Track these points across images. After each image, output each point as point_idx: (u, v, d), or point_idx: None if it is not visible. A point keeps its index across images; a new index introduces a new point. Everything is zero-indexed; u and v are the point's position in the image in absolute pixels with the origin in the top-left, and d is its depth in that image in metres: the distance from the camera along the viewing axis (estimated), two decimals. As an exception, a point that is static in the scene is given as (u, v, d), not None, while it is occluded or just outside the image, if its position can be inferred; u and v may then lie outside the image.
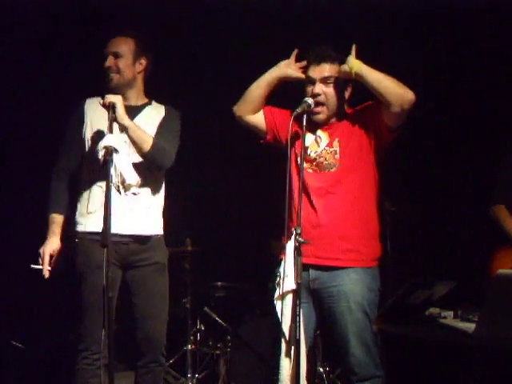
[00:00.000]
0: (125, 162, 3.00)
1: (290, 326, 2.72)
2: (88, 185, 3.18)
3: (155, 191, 3.24)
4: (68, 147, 3.25)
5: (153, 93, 3.36)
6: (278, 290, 2.81)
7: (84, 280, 3.13)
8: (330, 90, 3.00)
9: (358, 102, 3.14)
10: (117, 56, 3.19)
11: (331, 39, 3.13)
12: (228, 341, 4.22)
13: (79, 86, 4.18)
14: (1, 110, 4.60)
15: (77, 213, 3.21)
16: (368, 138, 3.01)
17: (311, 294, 2.95)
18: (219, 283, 4.54)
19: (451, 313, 2.96)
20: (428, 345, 3.17)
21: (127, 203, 3.12)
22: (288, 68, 3.08)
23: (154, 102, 3.34)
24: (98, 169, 3.01)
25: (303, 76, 3.03)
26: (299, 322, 2.67)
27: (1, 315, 4.29)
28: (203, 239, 4.65)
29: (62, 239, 3.20)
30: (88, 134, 3.20)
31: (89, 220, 3.15)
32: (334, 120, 3.05)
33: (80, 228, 3.18)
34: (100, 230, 2.75)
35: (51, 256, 3.12)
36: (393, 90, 2.90)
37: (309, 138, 2.98)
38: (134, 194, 3.13)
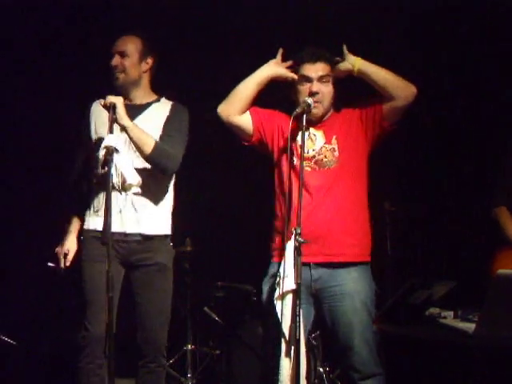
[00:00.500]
0: (125, 162, 2.99)
1: (290, 326, 2.71)
2: (94, 186, 3.20)
3: (160, 191, 3.23)
4: (80, 151, 3.29)
5: (163, 91, 3.36)
6: (277, 289, 2.81)
7: (84, 275, 3.15)
8: (326, 89, 3.01)
9: (354, 101, 3.14)
10: (123, 55, 3.19)
11: (320, 40, 3.14)
12: (228, 341, 4.21)
13: (84, 87, 4.20)
14: (5, 110, 4.61)
15: (86, 212, 3.24)
16: (364, 134, 3.03)
17: (312, 294, 2.95)
18: (219, 283, 4.53)
19: (451, 313, 2.96)
20: (428, 345, 3.17)
21: (129, 202, 3.13)
22: (278, 67, 3.07)
23: (163, 99, 3.32)
24: (100, 170, 3.02)
25: (295, 75, 3.03)
26: (299, 321, 2.67)
27: (1, 315, 4.29)
28: (203, 239, 4.65)
29: (78, 238, 3.27)
30: (93, 135, 3.22)
31: (93, 219, 3.18)
32: (326, 118, 3.05)
33: (85, 226, 3.22)
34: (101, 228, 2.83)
35: (66, 255, 3.20)
36: (396, 83, 2.95)
37: (299, 137, 2.97)
38: (135, 193, 3.13)
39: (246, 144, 3.14)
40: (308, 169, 2.95)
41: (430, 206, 4.65)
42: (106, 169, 2.81)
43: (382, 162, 4.51)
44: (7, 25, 4.45)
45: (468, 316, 2.84)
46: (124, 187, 3.09)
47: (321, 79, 2.99)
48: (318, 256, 2.87)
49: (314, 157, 2.98)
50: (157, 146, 3.07)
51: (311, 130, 3.03)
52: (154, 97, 3.31)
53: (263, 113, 3.11)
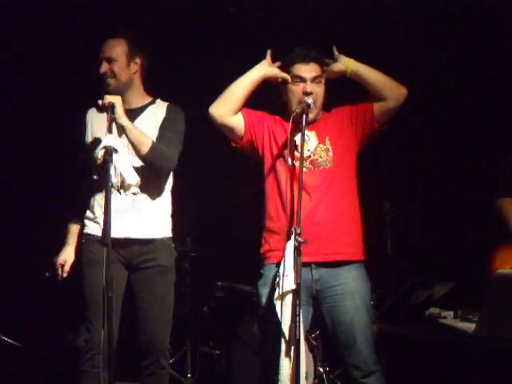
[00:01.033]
0: (124, 162, 2.99)
1: (290, 326, 2.71)
2: (94, 190, 3.19)
3: (159, 193, 3.22)
4: (79, 159, 3.29)
5: (154, 92, 3.35)
6: (277, 290, 2.81)
7: (84, 278, 3.15)
8: (319, 89, 3.02)
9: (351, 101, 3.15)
10: (110, 60, 3.16)
11: (311, 41, 3.14)
12: (228, 341, 4.21)
13: (85, 89, 4.19)
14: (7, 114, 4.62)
15: (85, 216, 3.24)
16: (355, 134, 3.04)
17: (312, 295, 2.95)
18: (219, 283, 4.53)
19: (451, 313, 2.97)
20: (428, 345, 3.17)
21: (129, 206, 3.13)
22: (271, 67, 3.07)
23: (158, 101, 3.31)
24: (101, 173, 3.05)
25: (287, 75, 3.03)
26: (299, 321, 2.67)
27: (2, 316, 4.29)
28: (203, 239, 4.65)
29: (76, 249, 3.28)
30: (89, 140, 3.22)
31: (93, 223, 3.19)
32: (317, 119, 3.06)
33: (86, 230, 3.22)
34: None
35: (62, 265, 3.21)
36: (388, 85, 2.99)
37: (296, 138, 2.98)
38: (134, 194, 3.12)
39: (235, 145, 3.12)
40: (304, 169, 2.94)
41: (430, 206, 4.65)
42: (105, 169, 2.80)
43: (382, 161, 4.55)
44: (8, 26, 4.46)
45: (468, 316, 2.85)
46: (123, 187, 3.09)
47: (314, 80, 3.00)
48: (317, 255, 2.87)
49: (309, 157, 2.98)
50: (154, 146, 3.07)
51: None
52: (149, 99, 3.30)
53: (254, 114, 3.10)
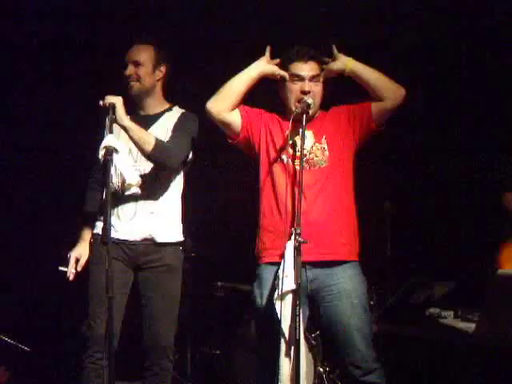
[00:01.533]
0: (125, 162, 2.99)
1: (290, 326, 2.71)
2: (102, 190, 3.18)
3: (167, 197, 3.22)
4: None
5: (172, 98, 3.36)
6: (277, 290, 2.81)
7: (91, 277, 3.16)
8: (317, 88, 3.01)
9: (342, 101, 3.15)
10: (137, 64, 3.19)
11: (309, 40, 3.14)
12: (228, 341, 4.22)
13: (85, 95, 4.21)
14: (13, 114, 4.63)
15: (97, 217, 3.25)
16: (352, 134, 3.03)
17: (308, 295, 2.95)
18: (219, 283, 4.53)
19: (451, 313, 2.97)
20: (428, 345, 3.17)
21: (135, 209, 3.13)
22: (269, 64, 3.07)
23: (175, 108, 3.32)
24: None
25: (286, 73, 3.03)
26: (299, 321, 2.67)
27: (4, 316, 4.29)
28: (203, 239, 4.65)
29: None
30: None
31: (100, 223, 3.17)
32: (315, 117, 3.06)
33: (94, 230, 3.23)
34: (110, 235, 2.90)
35: (77, 260, 3.22)
36: (386, 85, 2.98)
37: (294, 136, 2.98)
38: (135, 194, 3.12)
39: (231, 142, 3.12)
40: (299, 167, 2.94)
41: (430, 206, 4.65)
42: (106, 169, 2.81)
43: (382, 161, 4.55)
44: (8, 26, 4.46)
45: (468, 316, 2.85)
46: (123, 187, 3.09)
47: (312, 78, 2.99)
48: (312, 254, 2.85)
49: (305, 156, 2.96)
50: (157, 143, 3.07)
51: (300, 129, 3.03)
52: (167, 105, 3.31)
53: (252, 111, 3.10)
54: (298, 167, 2.90)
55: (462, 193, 4.54)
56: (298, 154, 2.92)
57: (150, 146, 3.05)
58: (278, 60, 3.08)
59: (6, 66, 4.58)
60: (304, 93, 2.97)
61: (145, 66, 3.20)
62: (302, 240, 2.68)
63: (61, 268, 3.23)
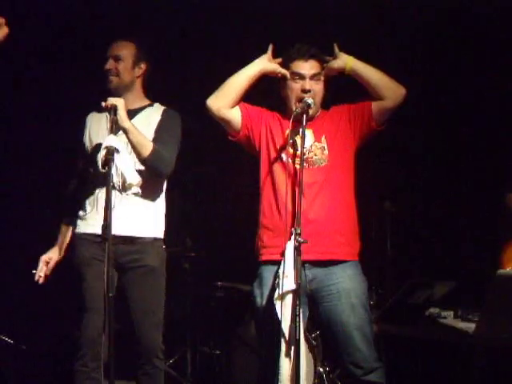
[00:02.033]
0: (126, 162, 3.00)
1: (290, 326, 2.71)
2: (86, 189, 3.21)
3: (152, 194, 3.23)
4: (78, 162, 3.31)
5: (154, 96, 3.37)
6: (277, 290, 2.80)
7: (78, 277, 3.15)
8: (317, 87, 3.01)
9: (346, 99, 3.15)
10: (117, 59, 3.23)
11: (310, 38, 3.14)
12: (228, 341, 4.22)
13: (82, 95, 4.21)
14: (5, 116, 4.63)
15: (77, 215, 3.25)
16: (352, 133, 3.03)
17: (308, 295, 2.95)
18: (219, 283, 4.53)
19: (451, 313, 2.97)
20: (428, 345, 3.17)
21: (119, 205, 3.10)
22: (270, 62, 3.07)
23: (156, 105, 3.34)
24: (95, 174, 3.10)
25: (286, 71, 3.03)
26: (299, 321, 2.67)
27: (1, 315, 4.29)
28: (203, 239, 4.66)
29: (66, 249, 3.29)
30: (87, 143, 3.24)
31: (84, 222, 3.20)
32: (315, 116, 3.06)
33: (77, 230, 3.23)
34: (93, 232, 3.02)
35: (47, 263, 3.22)
36: (387, 84, 2.98)
37: (294, 135, 2.98)
38: (135, 194, 3.13)
39: (232, 139, 3.12)
40: (298, 166, 2.94)
41: (430, 206, 4.65)
42: (107, 169, 2.81)
43: (382, 161, 4.55)
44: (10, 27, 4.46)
45: (468, 316, 2.85)
46: (124, 187, 3.09)
47: (313, 77, 2.99)
48: (311, 254, 2.85)
49: (304, 154, 2.96)
50: (154, 149, 3.09)
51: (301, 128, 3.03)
52: (147, 102, 3.34)
53: (252, 109, 3.10)
54: (297, 166, 2.90)
55: (462, 193, 4.54)
56: (297, 153, 2.91)
57: (147, 151, 3.07)
58: (279, 59, 3.08)
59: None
60: (305, 91, 2.97)
61: (124, 62, 3.23)
62: (301, 240, 2.68)
63: (34, 271, 3.24)
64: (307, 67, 2.99)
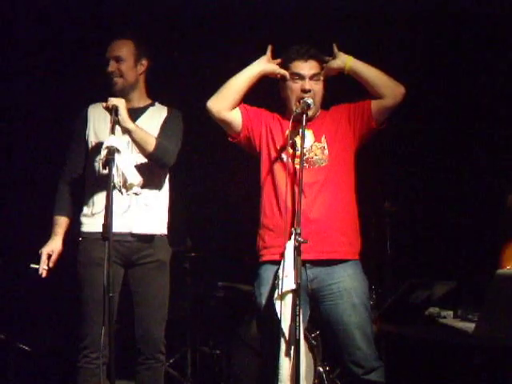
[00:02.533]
0: (127, 162, 3.00)
1: (290, 326, 2.71)
2: (92, 187, 3.22)
3: (158, 191, 3.26)
4: (73, 152, 3.30)
5: (155, 95, 3.38)
6: (277, 290, 2.81)
7: (83, 277, 3.16)
8: (317, 87, 3.02)
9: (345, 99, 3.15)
10: (118, 60, 3.22)
11: (309, 38, 3.14)
12: (228, 341, 4.22)
13: (82, 90, 4.21)
14: (4, 112, 4.62)
15: (82, 214, 3.25)
16: (352, 133, 3.04)
17: (309, 294, 2.95)
18: (219, 283, 4.54)
19: (451, 313, 2.96)
20: (428, 345, 3.17)
21: (130, 202, 3.15)
22: (270, 63, 3.07)
23: (157, 104, 3.37)
24: (101, 171, 3.10)
25: (286, 72, 3.03)
26: (299, 321, 2.67)
27: (2, 315, 4.29)
28: (204, 239, 4.66)
29: (64, 241, 3.25)
30: (91, 138, 3.25)
31: (92, 221, 3.20)
32: (315, 116, 3.06)
33: (83, 228, 3.23)
34: (100, 231, 2.87)
35: (49, 256, 3.18)
36: (386, 83, 2.98)
37: (294, 135, 2.98)
38: (136, 193, 3.13)
39: (232, 141, 3.13)
40: (299, 167, 2.94)
41: (430, 206, 4.65)
42: (108, 169, 2.82)
43: (382, 161, 4.55)
44: (10, 25, 4.47)
45: (468, 316, 2.85)
46: (125, 187, 3.09)
47: (312, 77, 3.00)
48: (312, 253, 2.86)
49: (304, 155, 2.96)
50: (158, 143, 3.13)
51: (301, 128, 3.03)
52: (149, 100, 3.36)
53: (252, 110, 3.11)
54: (297, 166, 2.90)
55: (462, 193, 4.54)
56: (297, 153, 2.92)
57: (151, 147, 3.10)
58: (278, 60, 3.08)
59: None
60: (304, 91, 2.98)
61: (126, 61, 3.23)
62: (301, 240, 2.68)
63: (32, 265, 3.16)
64: (307, 67, 3.00)
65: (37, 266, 3.16)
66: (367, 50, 3.27)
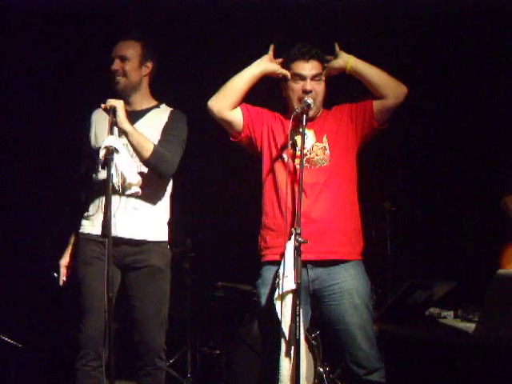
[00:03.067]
0: (125, 162, 2.99)
1: (290, 326, 2.71)
2: (89, 190, 3.22)
3: (157, 197, 3.22)
4: (84, 161, 3.30)
5: (161, 96, 3.37)
6: (277, 290, 2.81)
7: (80, 277, 3.15)
8: (319, 87, 3.02)
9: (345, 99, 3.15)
10: (124, 59, 3.20)
11: (311, 37, 3.14)
12: (228, 341, 4.22)
13: (85, 93, 4.21)
14: (7, 116, 4.63)
15: (82, 215, 3.25)
16: (354, 133, 3.04)
17: (310, 295, 2.95)
18: (219, 283, 4.53)
19: (451, 313, 2.96)
20: (428, 345, 3.17)
21: (124, 207, 3.11)
22: (271, 63, 3.07)
23: (163, 105, 3.33)
24: (99, 174, 3.11)
25: (287, 72, 3.03)
26: (299, 321, 2.67)
27: (1, 315, 4.29)
28: (203, 239, 4.65)
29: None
30: (93, 140, 3.24)
31: (87, 223, 3.20)
32: (317, 116, 3.06)
33: (81, 229, 3.22)
34: (96, 233, 2.98)
35: (67, 268, 3.24)
36: (388, 82, 2.98)
37: (294, 135, 2.98)
38: (134, 194, 3.11)
39: (233, 140, 3.12)
40: (299, 166, 2.93)
41: (430, 206, 4.65)
42: (106, 168, 2.81)
43: (382, 161, 4.55)
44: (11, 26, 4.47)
45: (468, 316, 2.85)
46: (124, 187, 3.09)
47: (314, 77, 3.00)
48: (311, 253, 2.86)
49: (305, 155, 2.97)
50: (155, 150, 3.08)
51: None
52: (154, 102, 3.32)
53: (254, 110, 3.11)
54: (299, 166, 2.90)
55: (462, 193, 4.54)
56: (298, 153, 2.92)
57: (148, 153, 3.06)
58: (280, 59, 3.08)
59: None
60: (306, 92, 2.97)
61: (131, 61, 3.21)
62: (301, 240, 2.68)
63: (55, 274, 3.25)
64: (308, 68, 3.00)
65: (56, 275, 3.24)
66: (369, 50, 3.28)
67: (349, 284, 2.91)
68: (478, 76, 4.39)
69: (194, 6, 4.42)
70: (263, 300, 2.97)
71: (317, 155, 3.00)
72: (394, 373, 3.14)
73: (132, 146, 3.06)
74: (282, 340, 2.78)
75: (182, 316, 4.46)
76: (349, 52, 3.04)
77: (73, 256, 3.24)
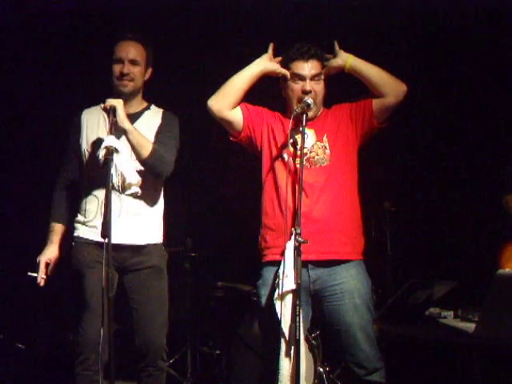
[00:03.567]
0: (125, 162, 3.00)
1: (290, 326, 2.71)
2: (86, 194, 3.20)
3: (153, 200, 3.23)
4: (68, 158, 3.29)
5: (152, 98, 3.36)
6: (277, 290, 2.81)
7: (79, 280, 3.14)
8: (318, 87, 3.02)
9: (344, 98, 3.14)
10: (135, 63, 3.19)
11: (311, 37, 3.14)
12: (228, 341, 4.22)
13: (78, 94, 4.21)
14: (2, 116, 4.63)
15: (75, 220, 3.23)
16: (354, 132, 3.04)
17: (311, 295, 2.95)
18: (219, 283, 4.53)
19: (451, 313, 2.96)
20: (428, 345, 3.17)
21: (120, 212, 3.09)
22: (271, 62, 3.07)
23: (152, 106, 3.34)
24: (96, 177, 3.08)
25: (287, 72, 3.03)
26: (299, 321, 2.67)
27: (1, 316, 4.29)
28: (203, 239, 4.65)
29: (60, 247, 3.24)
30: (84, 143, 3.21)
31: (85, 228, 3.19)
32: (317, 116, 3.06)
33: (77, 233, 3.21)
34: (95, 239, 3.00)
35: (47, 264, 3.17)
36: (387, 81, 2.98)
37: (294, 135, 2.98)
38: (134, 194, 3.11)
39: (233, 140, 3.12)
40: (299, 166, 2.93)
41: (430, 206, 4.65)
42: (106, 168, 2.80)
43: (382, 161, 4.55)
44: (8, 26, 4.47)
45: (468, 316, 2.84)
46: (123, 187, 3.09)
47: (313, 77, 3.00)
48: (312, 254, 2.86)
49: (305, 154, 2.96)
50: (154, 150, 3.09)
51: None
52: (145, 104, 3.32)
53: (254, 109, 3.10)
54: (298, 166, 2.90)
55: (462, 193, 4.54)
56: (298, 152, 2.91)
57: (147, 152, 3.07)
58: (280, 58, 3.08)
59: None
60: (305, 92, 2.97)
61: (140, 66, 3.21)
62: (301, 240, 2.68)
63: (30, 273, 3.14)
64: (307, 68, 2.99)
65: (35, 275, 3.13)
66: (369, 48, 3.27)
67: (350, 284, 2.90)
68: (479, 75, 4.38)
69: (194, 6, 4.42)
70: (263, 300, 2.96)
71: (317, 155, 3.00)
72: (394, 373, 3.14)
73: (131, 145, 3.06)
74: (282, 340, 2.77)
75: (182, 316, 4.46)
76: (348, 50, 3.03)
77: (61, 253, 3.20)
